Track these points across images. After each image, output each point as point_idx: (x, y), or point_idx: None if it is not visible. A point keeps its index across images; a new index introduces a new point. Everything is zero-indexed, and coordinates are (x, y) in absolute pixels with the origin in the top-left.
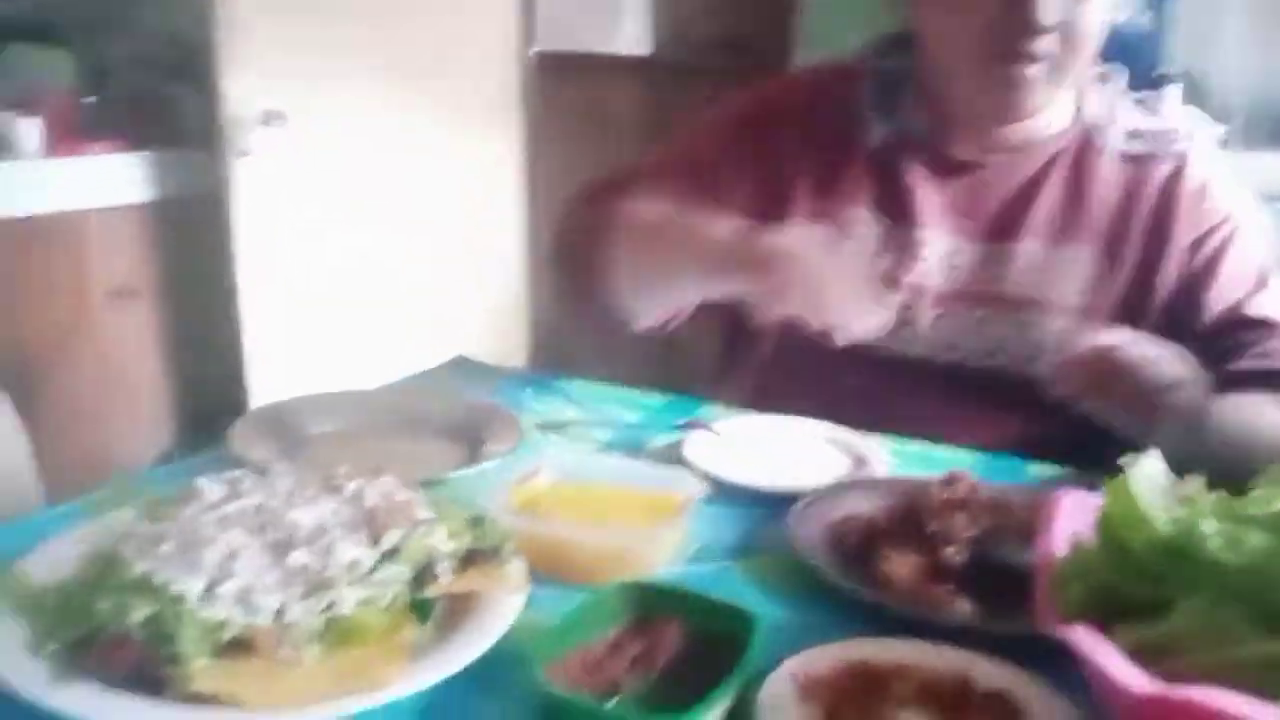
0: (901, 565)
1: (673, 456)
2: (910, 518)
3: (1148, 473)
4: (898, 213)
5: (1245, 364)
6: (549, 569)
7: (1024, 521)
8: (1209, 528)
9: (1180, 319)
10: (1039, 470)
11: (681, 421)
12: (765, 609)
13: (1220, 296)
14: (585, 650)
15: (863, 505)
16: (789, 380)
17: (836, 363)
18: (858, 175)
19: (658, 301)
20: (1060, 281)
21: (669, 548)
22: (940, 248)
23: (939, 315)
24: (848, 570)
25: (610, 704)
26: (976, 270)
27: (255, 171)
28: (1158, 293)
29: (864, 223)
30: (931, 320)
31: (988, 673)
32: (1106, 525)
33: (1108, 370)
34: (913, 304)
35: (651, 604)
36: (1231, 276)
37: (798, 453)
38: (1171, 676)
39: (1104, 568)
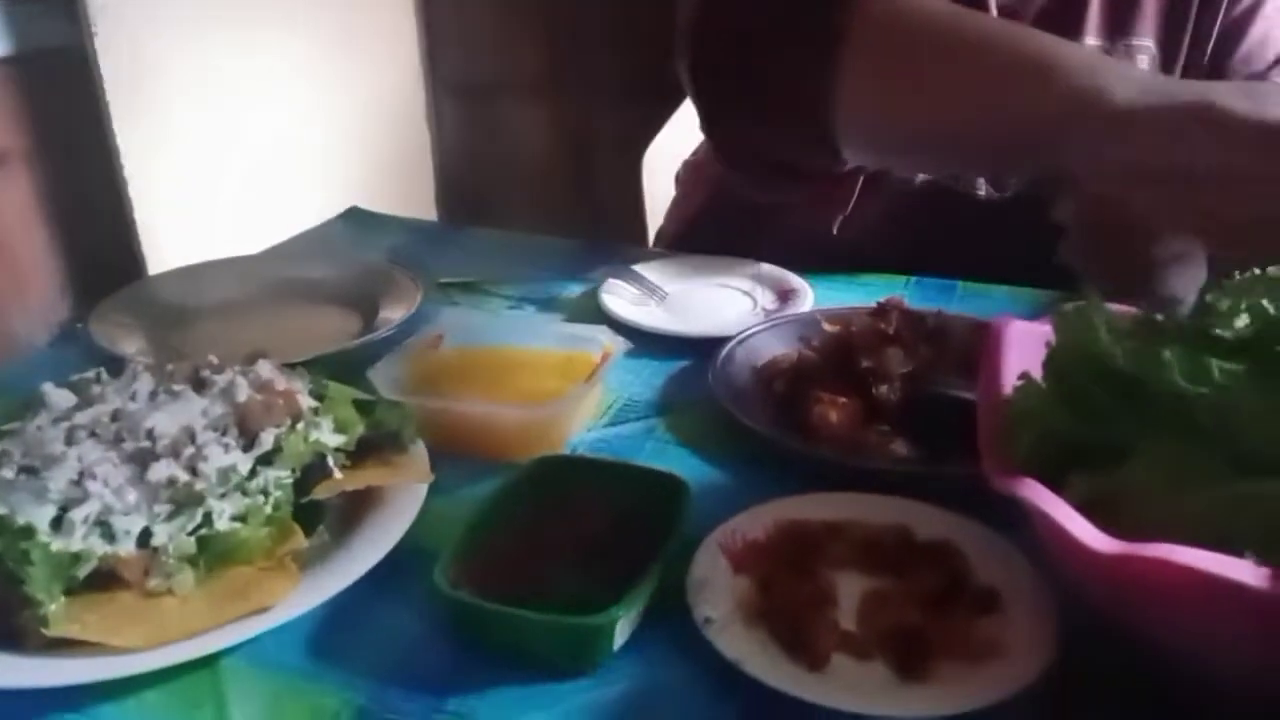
0: (833, 409)
1: (590, 309)
2: (840, 355)
3: (1098, 304)
4: None
5: None
6: (455, 449)
7: (965, 353)
8: (1170, 356)
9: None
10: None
11: (598, 270)
12: (692, 469)
13: (1245, 63)
14: (498, 542)
15: (791, 345)
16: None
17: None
18: None
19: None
20: None
21: (585, 412)
22: None
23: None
24: (777, 419)
25: (527, 604)
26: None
27: (118, 20)
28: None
29: None
30: None
31: (929, 521)
32: (1056, 362)
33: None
34: None
35: (569, 479)
36: (1260, 40)
37: (724, 295)
38: (1132, 531)
39: (1054, 411)
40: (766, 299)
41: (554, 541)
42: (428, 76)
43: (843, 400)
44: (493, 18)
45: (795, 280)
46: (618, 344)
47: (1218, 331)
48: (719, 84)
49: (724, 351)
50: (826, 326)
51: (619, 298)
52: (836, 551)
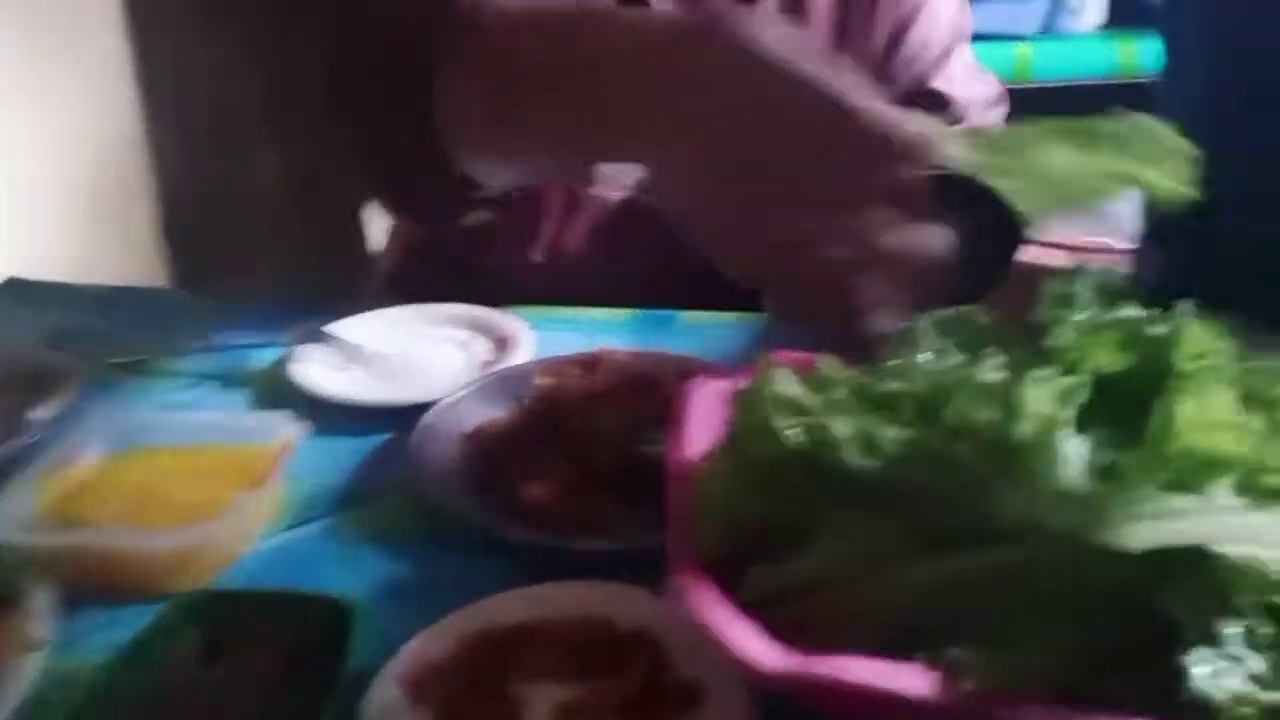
0: (542, 483)
1: (278, 380)
2: (550, 418)
3: (784, 372)
4: None
5: None
6: (95, 585)
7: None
8: (842, 430)
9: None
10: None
11: (293, 332)
12: (385, 574)
13: (908, 64)
14: (133, 706)
15: (504, 406)
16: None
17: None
18: None
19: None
20: None
21: (258, 519)
22: None
23: None
24: (484, 498)
25: None
26: None
27: None
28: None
29: None
30: None
31: (632, 608)
32: (737, 441)
33: None
34: None
35: (224, 619)
36: (922, 42)
37: (436, 350)
38: (815, 626)
39: (736, 493)
40: (482, 350)
41: (205, 693)
42: (143, 108)
43: (553, 470)
44: (209, 45)
45: (511, 325)
46: (298, 430)
47: (894, 386)
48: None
49: (424, 421)
50: (539, 381)
51: (312, 364)
52: (531, 659)
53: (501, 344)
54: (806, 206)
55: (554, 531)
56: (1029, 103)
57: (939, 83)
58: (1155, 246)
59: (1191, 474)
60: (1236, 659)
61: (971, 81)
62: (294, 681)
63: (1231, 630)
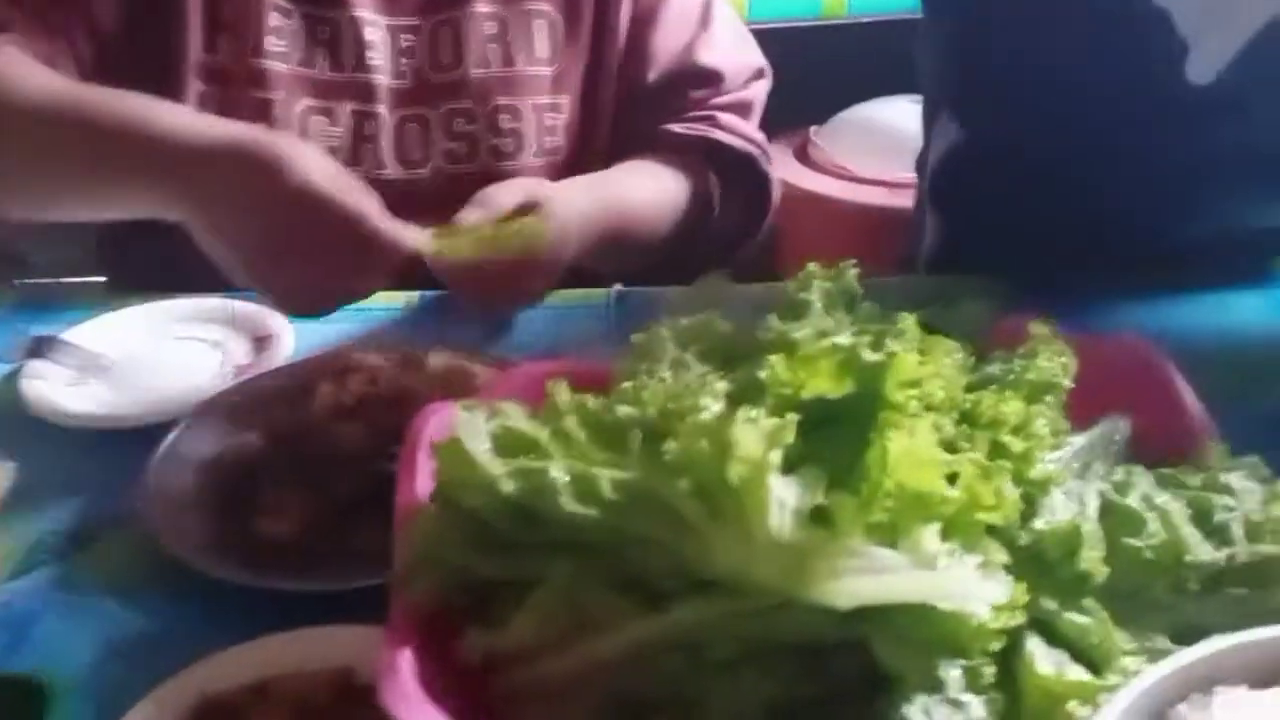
0: (280, 516)
1: (7, 400)
2: (294, 441)
3: (480, 421)
4: None
5: (679, 126)
6: None
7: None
8: (559, 474)
9: (633, 76)
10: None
11: (22, 340)
12: (111, 626)
13: (667, 41)
14: None
15: (247, 427)
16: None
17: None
18: None
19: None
20: (526, 48)
21: None
22: (381, 32)
23: (401, 120)
24: (221, 536)
25: None
26: (431, 53)
27: None
28: (616, 46)
29: (275, 10)
30: (393, 129)
31: (374, 653)
32: (444, 494)
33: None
34: (367, 112)
35: None
36: (677, 15)
37: (188, 351)
38: (530, 697)
39: (450, 547)
40: (239, 350)
41: None
42: None
43: (292, 499)
44: None
45: (271, 321)
46: (4, 474)
47: (623, 414)
48: None
49: (161, 448)
50: (284, 395)
51: (44, 381)
52: None
53: (260, 343)
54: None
55: (292, 572)
56: (846, 39)
57: (705, 55)
58: (932, 211)
59: (901, 514)
60: (956, 704)
61: (737, 52)
62: None
63: (952, 674)
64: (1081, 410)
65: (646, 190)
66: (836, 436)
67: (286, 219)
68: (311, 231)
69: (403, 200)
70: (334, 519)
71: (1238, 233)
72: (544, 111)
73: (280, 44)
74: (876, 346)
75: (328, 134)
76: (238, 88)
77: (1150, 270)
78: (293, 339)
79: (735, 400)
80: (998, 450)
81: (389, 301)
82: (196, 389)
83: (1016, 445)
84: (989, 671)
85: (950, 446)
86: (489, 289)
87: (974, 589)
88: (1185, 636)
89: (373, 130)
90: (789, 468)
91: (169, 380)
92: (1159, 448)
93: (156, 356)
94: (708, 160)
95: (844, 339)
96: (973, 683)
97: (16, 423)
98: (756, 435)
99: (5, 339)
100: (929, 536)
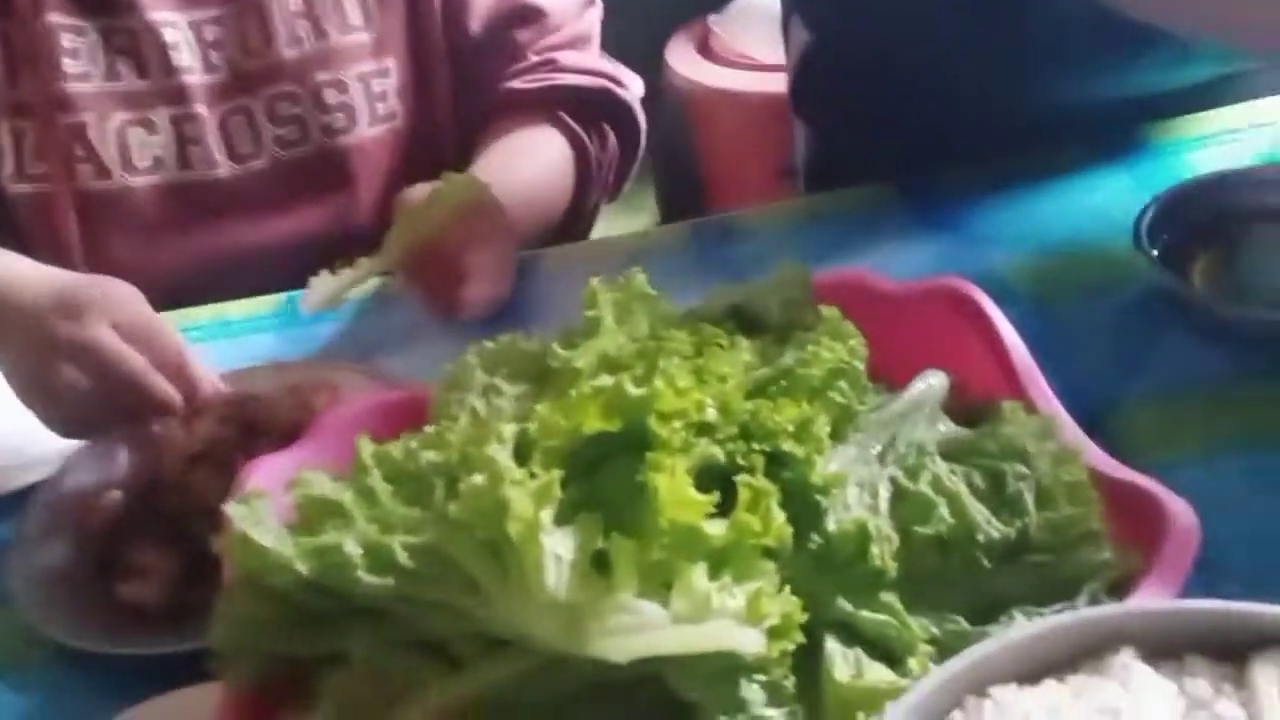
0: (141, 579)
1: None
2: (150, 493)
3: (258, 509)
4: (106, 4)
5: (520, 82)
6: None
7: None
8: (352, 548)
9: (457, 28)
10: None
11: None
12: (8, 712)
13: None
14: None
15: (114, 472)
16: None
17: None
18: None
19: None
20: (337, 17)
21: None
22: (182, 30)
23: (223, 116)
24: (87, 603)
25: None
26: (239, 40)
27: None
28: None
29: (67, 30)
30: (218, 127)
31: None
32: (245, 583)
33: None
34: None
35: None
36: None
37: None
38: None
39: (263, 628)
40: None
41: None
42: None
43: (156, 561)
44: None
45: None
46: None
47: (427, 459)
48: None
49: (25, 515)
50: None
51: None
52: None
53: None
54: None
55: (162, 634)
56: None
57: None
58: (796, 120)
59: (675, 551)
60: (761, 718)
61: None
62: None
63: (753, 691)
64: (906, 362)
65: (537, 171)
66: (617, 471)
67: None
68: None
69: (243, 196)
70: (200, 572)
71: (1097, 106)
72: (370, 79)
73: (78, 64)
74: (643, 379)
75: (148, 145)
76: (47, 118)
77: (1019, 157)
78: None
79: (523, 443)
80: (777, 460)
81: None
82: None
83: (798, 451)
84: (789, 683)
85: (729, 466)
86: (448, 271)
87: (736, 637)
88: (985, 611)
89: (195, 132)
90: (569, 515)
91: (31, 428)
92: (983, 394)
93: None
94: (563, 108)
95: (604, 380)
96: (775, 697)
97: None
98: (526, 495)
99: None
100: (698, 577)
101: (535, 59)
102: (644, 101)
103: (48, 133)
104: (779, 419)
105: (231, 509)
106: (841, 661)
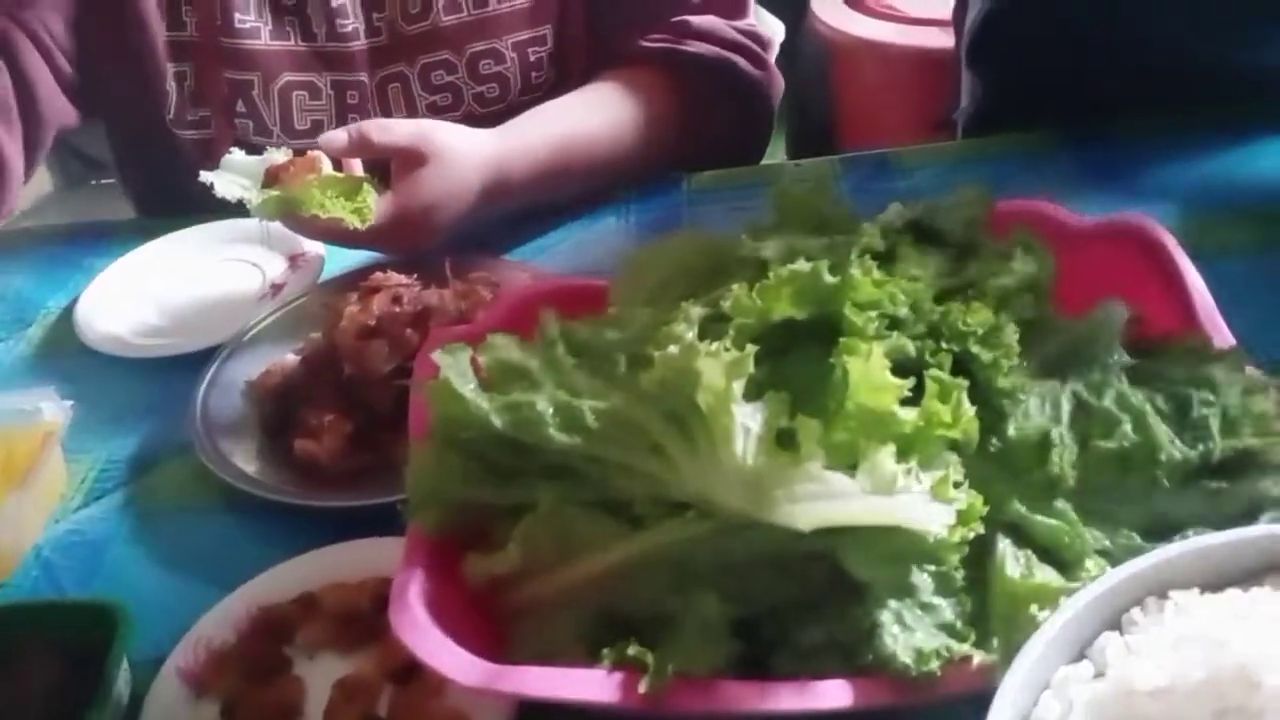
0: (317, 437)
1: (62, 331)
2: (325, 362)
3: (461, 360)
4: None
5: (645, 41)
6: None
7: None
8: (544, 406)
9: None
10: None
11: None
12: (175, 548)
13: None
14: None
15: (286, 348)
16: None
17: None
18: None
19: None
20: None
21: (33, 517)
22: None
23: (381, 82)
24: (269, 453)
25: None
26: (402, 3)
27: None
28: None
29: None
30: (374, 93)
31: None
32: (440, 432)
33: None
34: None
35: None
36: None
37: (229, 273)
38: (529, 610)
39: (448, 479)
40: (276, 269)
41: None
42: None
43: (330, 421)
44: None
45: (307, 240)
46: (62, 411)
47: (609, 338)
48: None
49: (207, 375)
50: (315, 316)
51: (97, 312)
52: (312, 634)
53: (294, 260)
54: None
55: (333, 489)
56: None
57: None
58: (970, 73)
59: (862, 434)
60: (928, 606)
61: None
62: (67, 688)
63: (923, 578)
64: (1083, 296)
65: (586, 120)
66: (804, 357)
67: None
68: None
69: None
70: (369, 435)
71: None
72: (526, 48)
73: (248, 19)
74: (837, 268)
75: (311, 109)
76: (213, 69)
77: (1206, 113)
78: (325, 257)
79: (709, 324)
80: (964, 362)
81: None
82: (241, 310)
83: (985, 355)
84: (959, 575)
85: (918, 361)
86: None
87: (924, 512)
88: (1159, 531)
89: (355, 98)
90: (756, 393)
91: (215, 302)
92: (1161, 330)
93: (201, 280)
94: (680, 73)
95: (801, 265)
96: (943, 587)
97: (72, 356)
98: (718, 367)
99: (61, 274)
100: (886, 458)
101: (674, 18)
102: (784, 46)
103: (211, 80)
104: (970, 321)
105: (438, 356)
106: (1013, 561)
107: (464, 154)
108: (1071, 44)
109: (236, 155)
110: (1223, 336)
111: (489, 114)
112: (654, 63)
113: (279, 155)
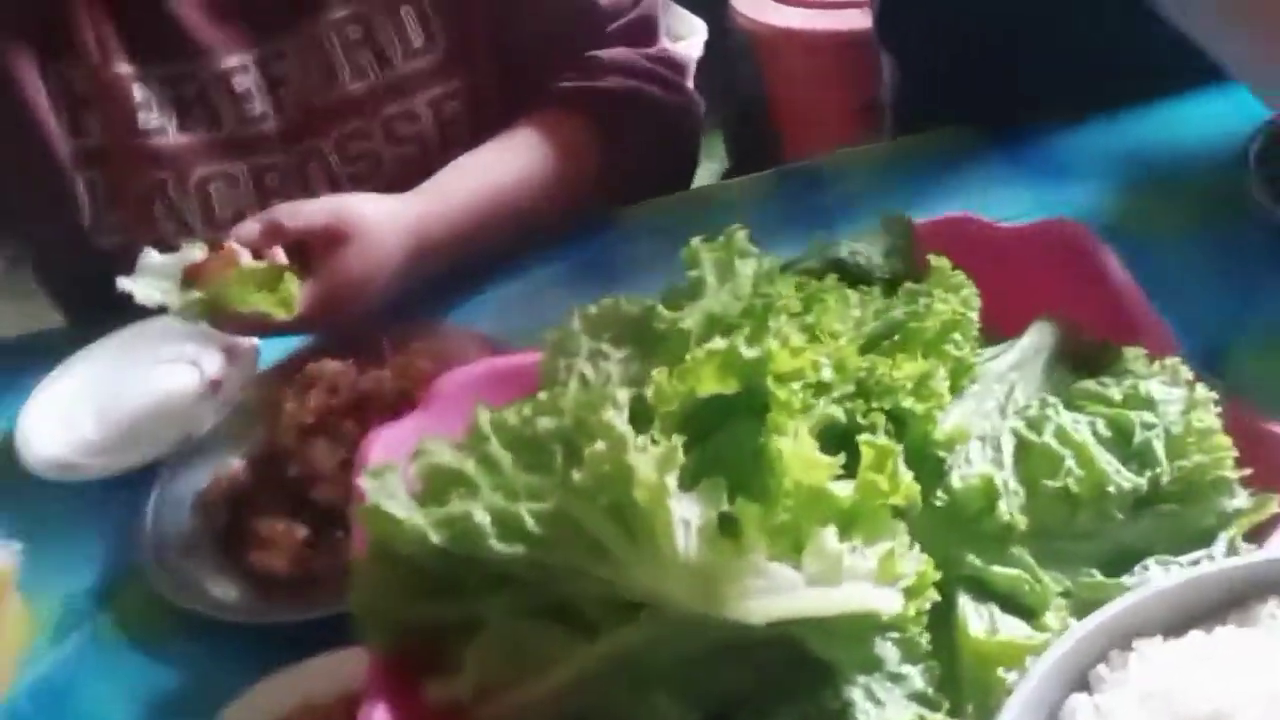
0: (273, 549)
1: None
2: (270, 466)
3: (390, 481)
4: (171, 51)
5: (559, 81)
6: None
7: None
8: (481, 517)
9: (510, 35)
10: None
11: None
12: (144, 680)
13: None
14: None
15: (232, 452)
16: None
17: None
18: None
19: None
20: (399, 39)
21: (6, 655)
22: (251, 74)
23: (300, 160)
24: (224, 572)
25: None
26: (303, 76)
27: None
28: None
29: (136, 80)
30: (295, 173)
31: None
32: (379, 553)
33: None
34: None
35: None
36: None
37: (167, 377)
38: None
39: (396, 597)
40: (212, 365)
41: None
42: None
43: (281, 529)
44: None
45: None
46: (12, 556)
47: (543, 427)
48: None
49: (155, 492)
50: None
51: (36, 434)
52: None
53: (230, 354)
54: None
55: (294, 601)
56: None
57: None
58: (884, 52)
59: (802, 514)
60: (897, 677)
61: None
62: None
63: (888, 648)
64: (1015, 308)
65: (503, 172)
66: (736, 434)
67: None
68: None
69: None
70: (324, 536)
71: None
72: (441, 104)
73: (152, 117)
74: (757, 336)
75: (231, 198)
76: (124, 172)
77: (1107, 91)
78: (258, 346)
79: (638, 406)
80: (897, 417)
81: None
82: (182, 412)
83: (918, 408)
84: (924, 640)
85: (849, 425)
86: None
87: (873, 596)
88: (1119, 562)
89: (275, 180)
90: (691, 480)
91: (155, 409)
92: (1097, 337)
93: (138, 386)
94: (594, 110)
95: (718, 344)
96: (909, 654)
97: (15, 486)
98: (650, 462)
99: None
100: (829, 539)
101: (581, 57)
102: (709, 45)
103: (123, 184)
104: (897, 375)
105: (364, 481)
106: (975, 618)
107: (382, 224)
108: (977, 15)
109: (152, 257)
110: (1158, 340)
111: (409, 175)
112: (568, 103)
113: (196, 252)
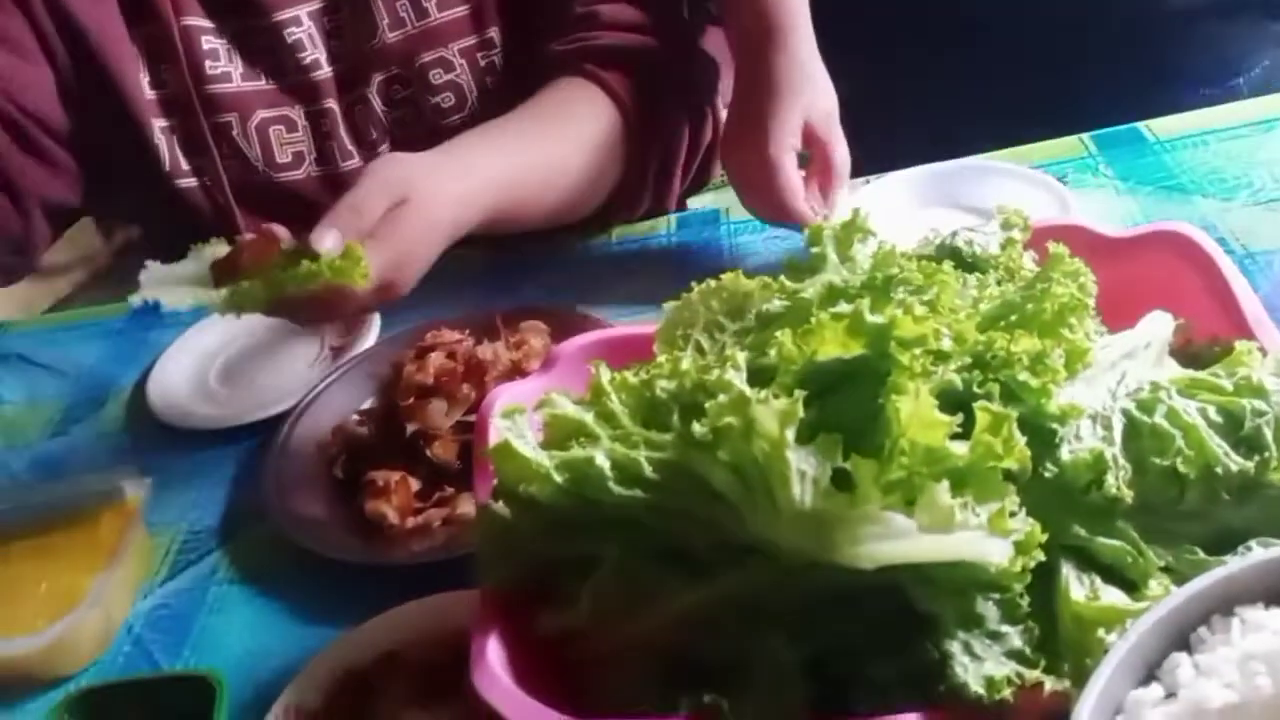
0: (387, 496)
1: (136, 405)
2: (387, 422)
3: (519, 422)
4: (239, 5)
5: (561, 45)
6: None
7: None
8: (602, 461)
9: None
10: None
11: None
12: (260, 617)
13: None
14: None
15: (349, 409)
16: None
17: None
18: None
19: None
20: None
21: (122, 594)
22: (305, 26)
23: (348, 106)
24: (342, 514)
25: None
26: (353, 28)
27: None
28: None
29: (205, 33)
30: (343, 118)
31: None
32: (505, 492)
33: None
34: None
35: (100, 712)
36: None
37: (287, 344)
38: (598, 664)
39: (520, 535)
40: (333, 333)
41: None
42: None
43: (397, 479)
44: None
45: None
46: (141, 488)
47: (662, 389)
48: None
49: (278, 439)
50: (373, 379)
51: (167, 389)
52: (395, 691)
53: (350, 325)
54: None
55: (406, 547)
56: None
57: None
58: None
59: (916, 471)
60: (996, 634)
61: None
62: None
63: (989, 607)
64: (1127, 309)
65: (534, 150)
66: (854, 395)
67: None
68: None
69: None
70: (436, 490)
71: None
72: (474, 54)
73: (218, 65)
74: (879, 305)
75: (290, 141)
76: (194, 117)
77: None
78: (379, 319)
79: (754, 369)
80: (1012, 390)
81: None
82: (302, 375)
83: (1033, 382)
84: (1024, 602)
85: (966, 394)
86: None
87: (983, 546)
88: (1222, 543)
89: (329, 126)
90: (808, 436)
91: (277, 369)
92: (1206, 339)
93: (264, 349)
94: (604, 67)
95: (843, 308)
96: (1009, 614)
97: (146, 432)
98: (771, 415)
99: (127, 352)
100: (942, 493)
101: (579, 11)
102: None
103: (195, 132)
104: (1015, 349)
105: (497, 421)
106: (1077, 584)
107: (428, 179)
108: None
109: (155, 267)
110: (1270, 339)
111: (450, 125)
112: (575, 63)
113: (213, 249)
